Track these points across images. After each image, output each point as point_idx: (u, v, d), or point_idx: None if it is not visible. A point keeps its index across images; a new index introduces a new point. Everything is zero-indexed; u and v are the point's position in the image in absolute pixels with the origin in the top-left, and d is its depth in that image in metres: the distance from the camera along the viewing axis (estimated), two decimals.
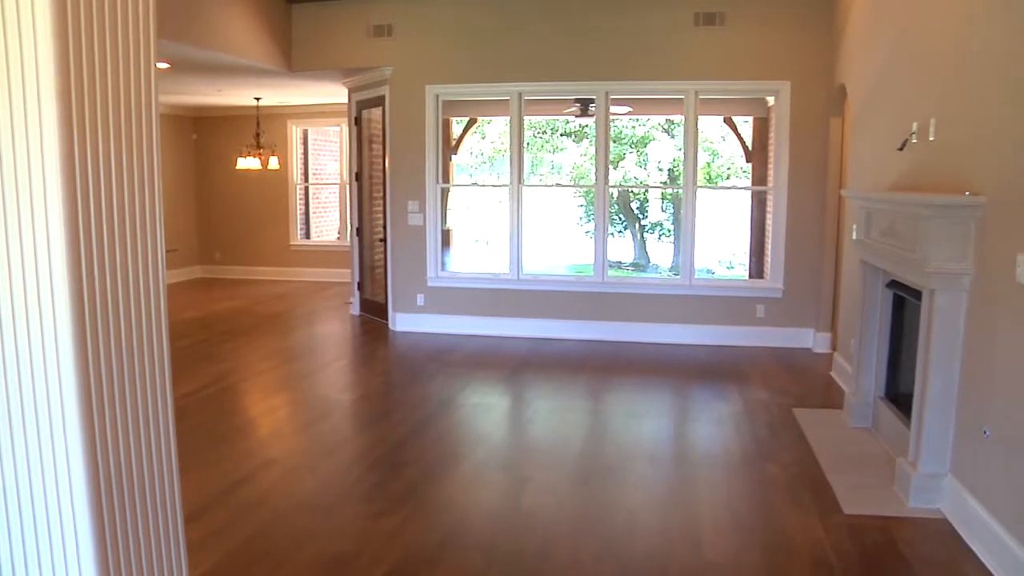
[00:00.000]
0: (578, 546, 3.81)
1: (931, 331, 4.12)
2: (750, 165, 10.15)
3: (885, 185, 5.51)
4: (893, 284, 5.17)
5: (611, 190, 9.87)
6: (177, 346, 7.95)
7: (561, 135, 14.63)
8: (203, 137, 13.07)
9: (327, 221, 13.81)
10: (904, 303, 5.14)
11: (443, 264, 8.95)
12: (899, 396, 5.18)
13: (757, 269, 9.23)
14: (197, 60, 7.98)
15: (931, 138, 4.63)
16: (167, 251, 7.50)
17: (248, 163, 11.68)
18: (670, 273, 12.34)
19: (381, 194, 9.09)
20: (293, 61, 8.80)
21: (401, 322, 8.86)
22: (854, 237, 5.98)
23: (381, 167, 9.04)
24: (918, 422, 4.23)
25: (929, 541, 3.84)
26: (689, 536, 3.91)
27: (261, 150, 11.74)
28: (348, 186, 10.09)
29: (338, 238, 13.47)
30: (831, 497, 4.35)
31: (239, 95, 11.11)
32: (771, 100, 8.29)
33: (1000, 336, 3.64)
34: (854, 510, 4.19)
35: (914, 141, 4.90)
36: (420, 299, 8.79)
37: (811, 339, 8.01)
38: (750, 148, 10.00)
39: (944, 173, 4.42)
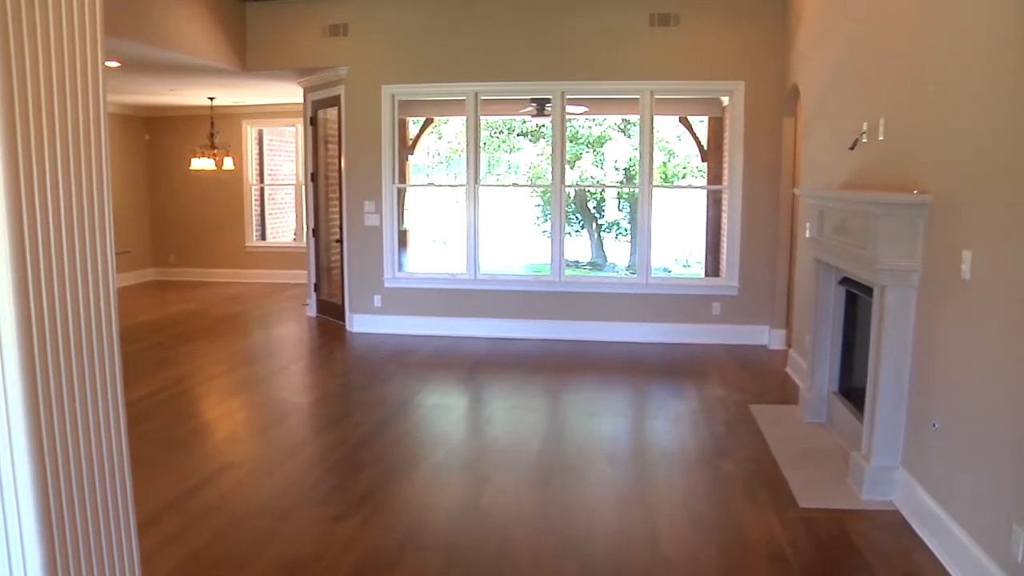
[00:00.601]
0: (538, 545, 3.82)
1: (882, 327, 4.19)
2: (705, 164, 10.24)
3: (837, 184, 5.60)
4: (845, 281, 5.25)
5: (568, 190, 9.93)
6: (131, 350, 7.83)
7: (518, 135, 14.65)
8: (156, 137, 12.89)
9: (283, 222, 13.69)
10: (856, 300, 5.22)
11: (400, 265, 8.92)
12: (852, 391, 5.27)
13: (713, 267, 9.32)
14: (149, 59, 7.86)
15: (881, 138, 4.71)
16: (119, 253, 7.38)
17: (202, 164, 11.54)
18: (627, 272, 12.41)
19: (337, 195, 9.04)
20: (248, 60, 8.72)
21: (358, 323, 8.81)
22: (807, 235, 6.07)
23: (337, 167, 8.98)
24: (870, 416, 4.31)
25: (882, 532, 3.92)
26: (648, 533, 3.94)
27: (215, 150, 11.60)
28: (304, 187, 10.01)
29: (294, 239, 13.35)
30: (787, 492, 4.41)
31: (193, 95, 10.97)
32: (725, 100, 8.38)
33: (947, 331, 3.72)
34: (809, 504, 4.25)
35: (864, 141, 4.98)
36: (377, 300, 8.75)
37: (766, 336, 8.11)
38: (705, 147, 10.09)
39: (893, 172, 4.50)
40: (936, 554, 3.65)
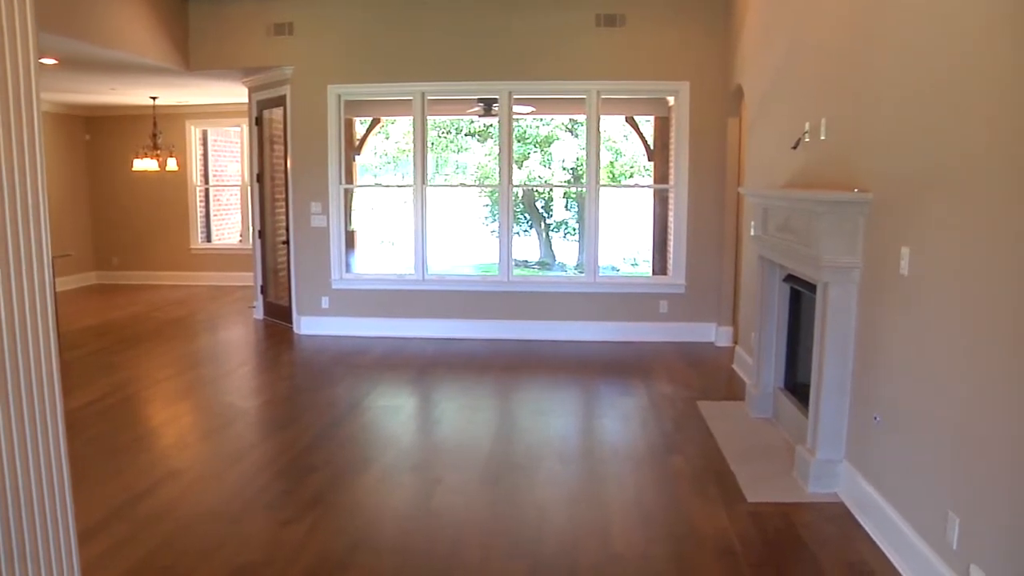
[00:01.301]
0: (489, 545, 3.82)
1: (825, 323, 4.27)
2: (652, 164, 10.32)
3: (780, 183, 5.69)
4: (790, 278, 5.33)
5: (516, 189, 9.94)
6: (73, 355, 7.67)
7: (466, 135, 14.64)
8: (97, 137, 12.63)
9: (229, 224, 13.51)
10: (800, 296, 5.31)
11: (348, 266, 8.86)
12: (797, 386, 5.35)
13: (660, 266, 9.40)
14: (88, 56, 7.70)
15: (822, 137, 4.80)
16: (58, 256, 7.20)
17: (145, 164, 11.33)
18: (575, 271, 12.48)
19: (284, 195, 8.94)
20: (191, 59, 8.58)
21: (306, 325, 8.73)
22: (752, 233, 6.15)
23: (283, 168, 8.89)
24: (815, 411, 4.38)
25: (827, 524, 3.99)
26: (598, 531, 3.96)
27: (159, 151, 11.40)
28: (250, 188, 9.89)
29: (240, 241, 13.19)
30: (735, 486, 4.47)
31: (134, 94, 10.77)
32: (671, 100, 8.46)
33: (887, 326, 3.80)
34: (757, 498, 4.31)
35: (807, 140, 5.07)
36: (325, 301, 8.68)
37: (713, 333, 8.21)
38: (652, 147, 10.17)
39: (835, 171, 4.58)
40: (878, 543, 3.73)
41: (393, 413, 6.10)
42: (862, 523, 3.95)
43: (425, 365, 7.41)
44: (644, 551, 3.74)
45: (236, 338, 8.94)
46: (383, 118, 11.54)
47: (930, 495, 3.31)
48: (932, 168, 3.36)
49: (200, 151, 12.80)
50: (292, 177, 8.64)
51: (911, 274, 3.53)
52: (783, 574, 3.53)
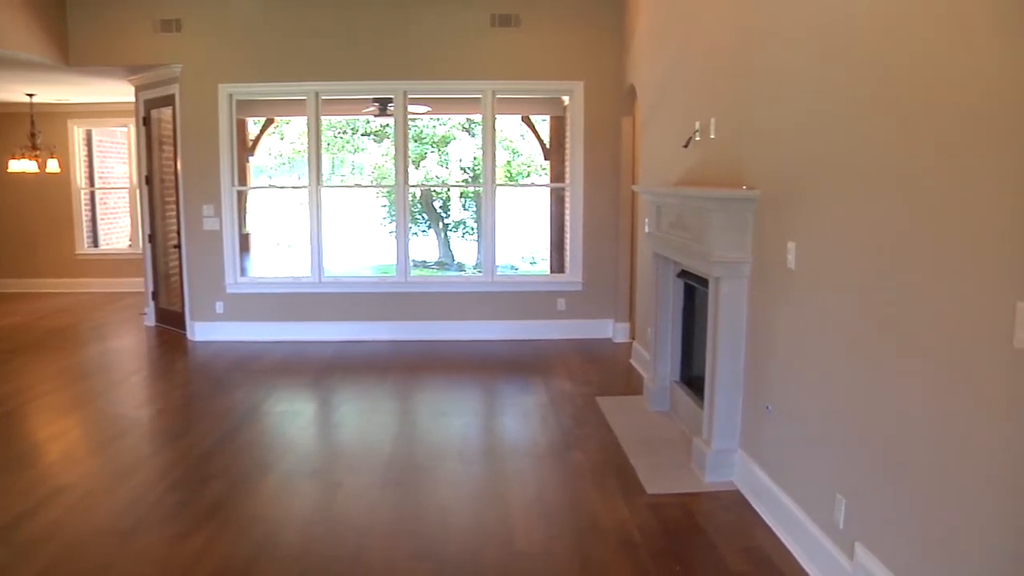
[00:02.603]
0: (392, 548, 3.80)
1: (717, 317, 4.39)
2: (548, 163, 10.41)
3: (673, 180, 5.82)
4: (683, 274, 5.46)
5: (413, 190, 9.90)
6: None
7: (362, 135, 14.50)
8: None
9: (117, 228, 13.03)
10: (694, 291, 5.44)
11: (243, 270, 8.66)
12: (693, 379, 5.48)
13: (558, 264, 9.50)
14: None
15: (712, 136, 4.93)
16: None
17: (23, 166, 10.81)
18: (474, 271, 12.49)
19: (174, 198, 8.68)
20: (70, 54, 8.20)
21: (200, 331, 8.50)
22: (646, 230, 6.28)
23: (173, 170, 8.63)
24: (710, 403, 4.50)
25: (724, 512, 4.10)
26: (501, 528, 3.98)
27: (38, 152, 10.89)
28: (138, 190, 9.57)
29: (129, 245, 12.73)
30: (634, 479, 4.55)
31: (8, 90, 10.23)
32: (566, 100, 8.56)
33: (776, 318, 3.93)
34: (656, 489, 4.40)
35: (697, 139, 5.20)
36: (219, 307, 8.46)
37: (611, 329, 8.34)
38: (548, 146, 10.26)
39: (725, 169, 4.72)
40: (773, 528, 3.86)
41: (292, 418, 6.00)
42: (757, 509, 4.08)
43: (324, 369, 7.31)
44: (547, 547, 3.77)
45: (126, 346, 8.63)
46: (277, 118, 11.32)
47: (818, 479, 3.44)
48: (815, 166, 3.50)
49: (84, 152, 12.30)
50: (183, 179, 8.39)
51: (797, 268, 3.67)
52: (683, 563, 3.62)
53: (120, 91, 9.83)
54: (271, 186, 13.67)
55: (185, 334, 8.70)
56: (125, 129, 12.28)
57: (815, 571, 3.42)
